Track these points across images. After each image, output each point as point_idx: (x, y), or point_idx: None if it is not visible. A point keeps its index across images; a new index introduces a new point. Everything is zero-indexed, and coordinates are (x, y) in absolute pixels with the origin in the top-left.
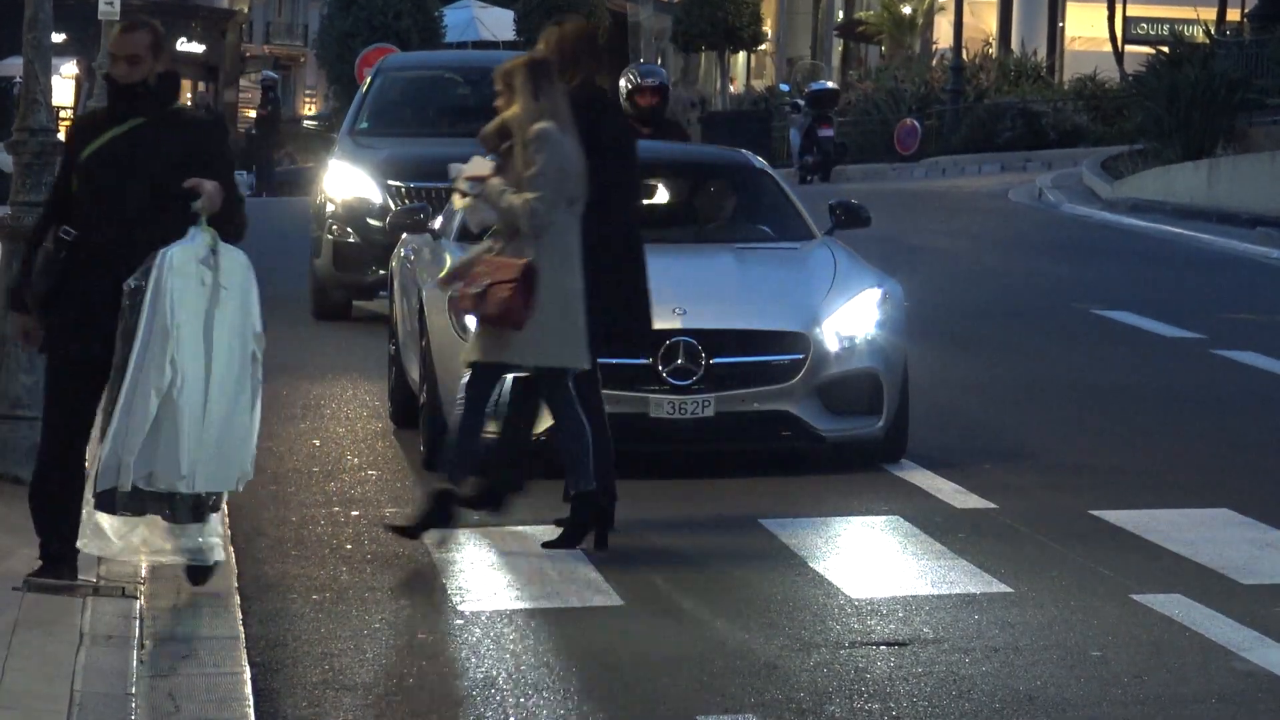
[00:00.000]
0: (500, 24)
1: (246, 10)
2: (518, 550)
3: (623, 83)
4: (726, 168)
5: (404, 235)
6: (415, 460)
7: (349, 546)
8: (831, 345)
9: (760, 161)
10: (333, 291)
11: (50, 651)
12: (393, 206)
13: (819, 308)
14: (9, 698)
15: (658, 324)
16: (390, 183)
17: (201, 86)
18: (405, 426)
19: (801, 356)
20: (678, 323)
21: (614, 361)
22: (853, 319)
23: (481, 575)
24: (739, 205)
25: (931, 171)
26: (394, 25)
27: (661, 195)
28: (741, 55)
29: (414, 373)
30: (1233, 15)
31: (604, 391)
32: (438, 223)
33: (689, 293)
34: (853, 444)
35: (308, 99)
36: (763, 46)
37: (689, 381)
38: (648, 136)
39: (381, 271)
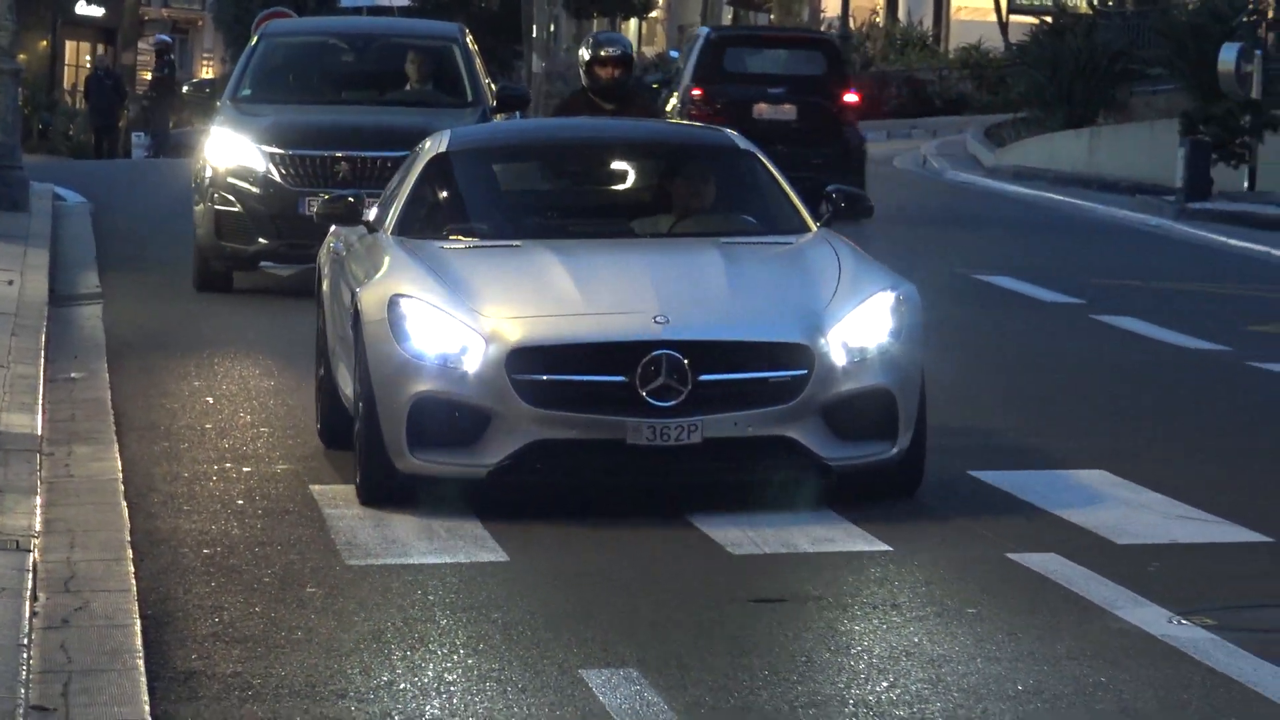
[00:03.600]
0: None
1: None
2: (407, 506)
3: (582, 53)
4: (707, 149)
5: (333, 227)
6: (306, 416)
7: (240, 502)
8: (838, 359)
9: (746, 141)
10: (214, 261)
11: None
12: (275, 175)
13: (823, 315)
14: None
15: (634, 335)
16: (273, 150)
17: (101, 49)
18: (337, 447)
19: (804, 372)
20: (659, 333)
21: (585, 379)
22: (863, 327)
23: (370, 530)
24: (723, 192)
25: None
26: None
27: (633, 181)
28: (633, 21)
29: (347, 388)
30: None
31: (574, 415)
32: (372, 213)
33: (671, 297)
34: (863, 474)
35: (205, 62)
36: (654, 13)
37: (672, 403)
38: (611, 113)
39: (263, 240)
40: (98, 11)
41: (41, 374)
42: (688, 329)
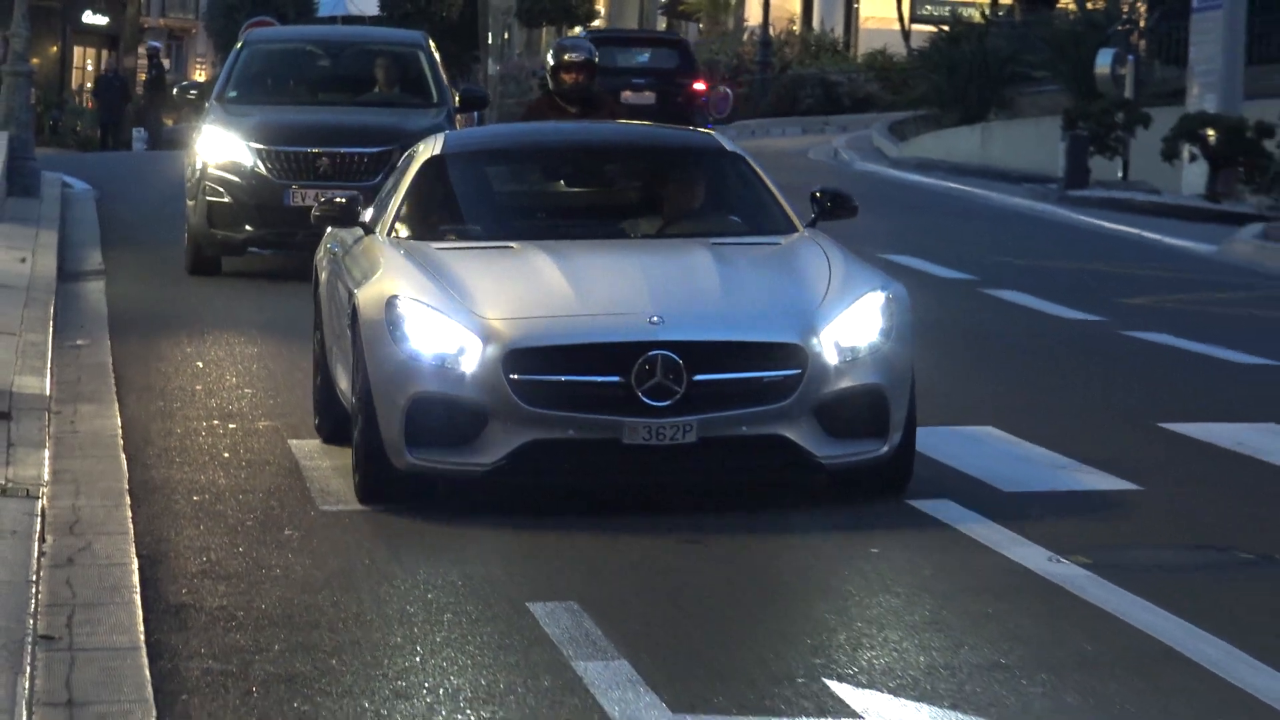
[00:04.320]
0: (365, 1)
1: None
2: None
3: (547, 58)
4: (695, 151)
5: (329, 229)
6: (286, 379)
7: (226, 454)
8: (831, 358)
9: (732, 144)
10: (206, 248)
11: None
12: (262, 169)
13: (816, 315)
14: None
15: (630, 336)
16: (260, 146)
17: (106, 55)
18: (335, 443)
19: (798, 372)
20: (654, 334)
21: (581, 380)
22: (854, 327)
23: (342, 480)
24: (710, 193)
25: (742, 133)
26: (272, 1)
27: (623, 183)
28: (578, 29)
29: (343, 383)
30: (1005, 1)
31: (570, 415)
32: (368, 214)
33: (665, 298)
34: (855, 471)
35: (199, 65)
36: (595, 22)
37: (668, 402)
38: (575, 116)
39: (250, 228)
40: (102, 20)
41: (50, 341)
42: (683, 329)
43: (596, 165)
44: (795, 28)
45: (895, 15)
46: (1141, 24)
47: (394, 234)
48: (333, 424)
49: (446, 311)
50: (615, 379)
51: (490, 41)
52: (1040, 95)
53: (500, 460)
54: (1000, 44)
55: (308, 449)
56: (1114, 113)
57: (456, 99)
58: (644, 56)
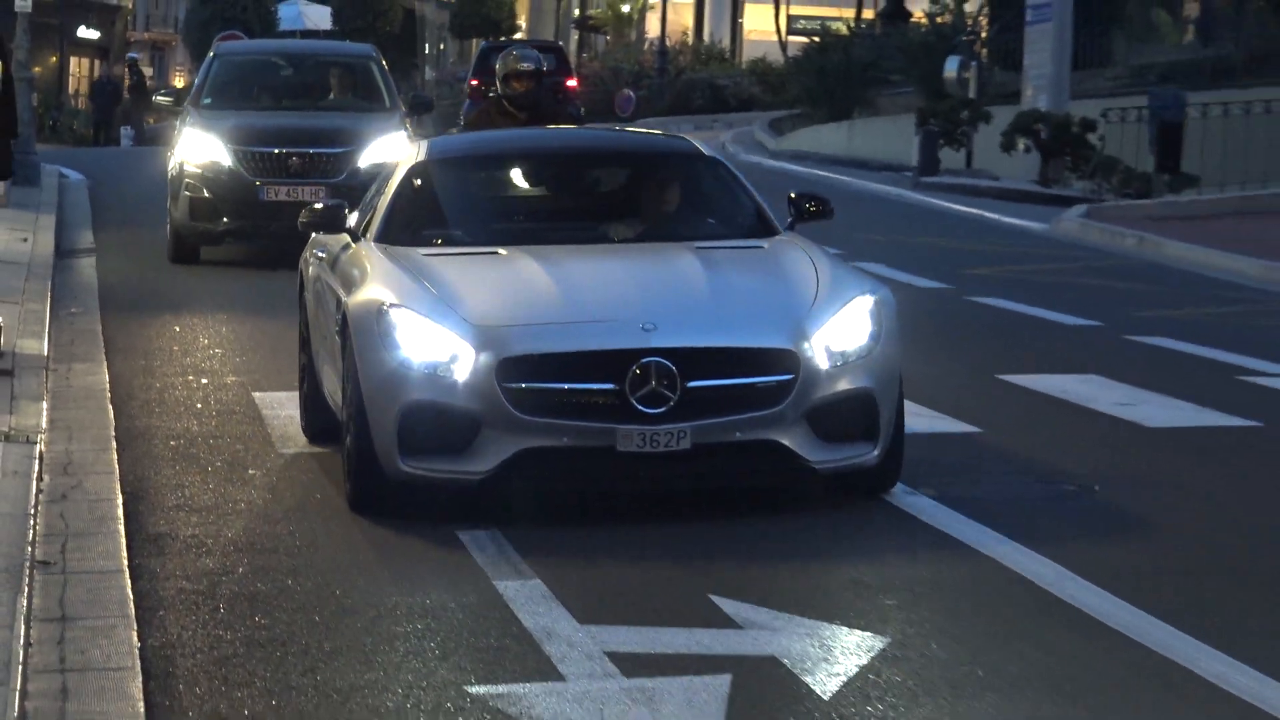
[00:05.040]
0: (321, 17)
1: (130, 5)
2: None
3: (498, 66)
4: (675, 156)
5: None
6: (251, 341)
7: (198, 405)
8: (822, 363)
9: (710, 149)
10: (187, 239)
11: None
12: (238, 168)
13: (806, 319)
14: None
15: (623, 343)
16: (237, 148)
17: (98, 63)
18: (321, 443)
19: (790, 377)
20: (647, 341)
21: (575, 387)
22: (844, 332)
23: (298, 427)
24: (691, 197)
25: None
26: (241, 16)
27: (605, 188)
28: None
29: (330, 387)
30: (867, 14)
31: (564, 422)
32: (352, 218)
33: (656, 304)
34: (846, 475)
35: (179, 72)
36: (518, 35)
37: (662, 409)
38: (524, 121)
39: (228, 221)
40: (94, 35)
41: (48, 309)
42: (676, 335)
43: (579, 170)
44: (688, 39)
45: (774, 28)
46: (983, 35)
47: (380, 240)
48: (319, 427)
49: (438, 319)
50: (609, 386)
51: (427, 51)
52: (897, 96)
53: (494, 469)
54: (863, 53)
55: (268, 400)
56: (960, 111)
57: (405, 103)
58: (533, 57)
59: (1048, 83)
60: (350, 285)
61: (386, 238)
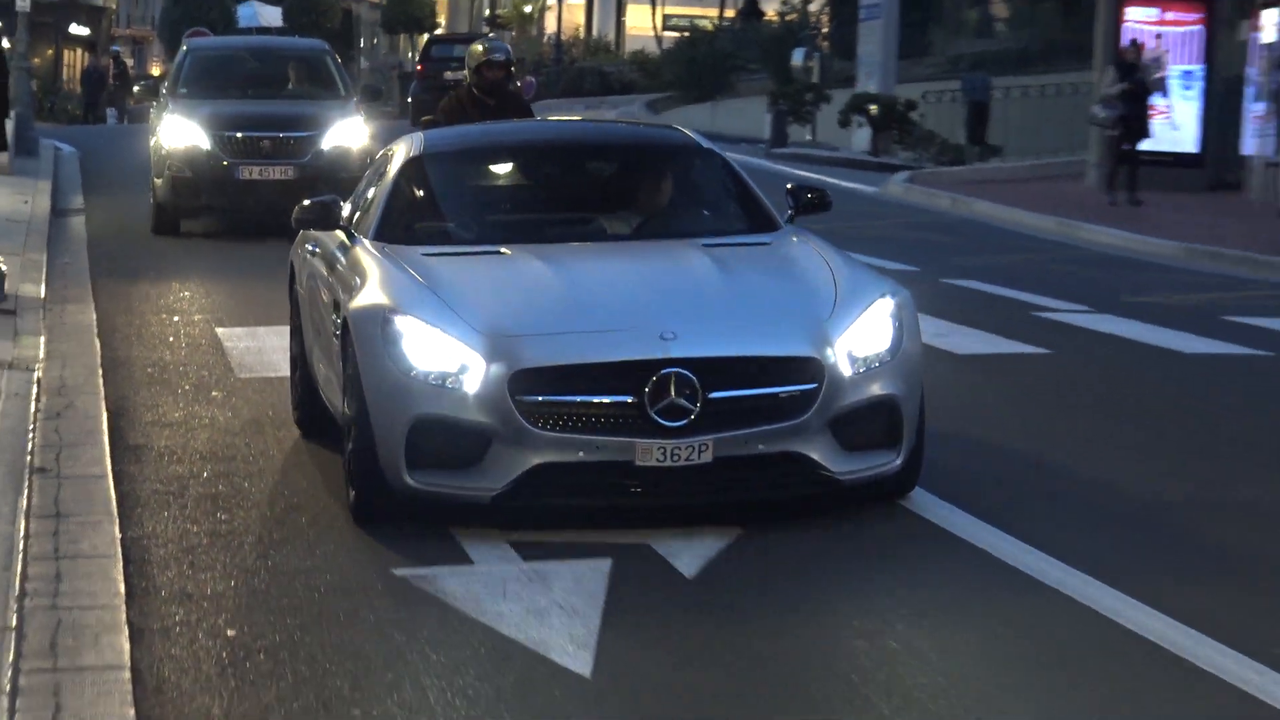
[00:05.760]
0: (273, 16)
1: (114, 6)
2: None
3: (471, 55)
4: (671, 148)
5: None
6: (215, 287)
7: (171, 338)
8: (845, 370)
9: (707, 141)
10: (170, 213)
11: None
12: (216, 150)
13: (828, 324)
14: None
15: (642, 354)
16: (215, 132)
17: (87, 55)
18: (313, 437)
19: (815, 386)
20: (668, 351)
21: (593, 400)
22: (867, 336)
23: (254, 356)
24: (691, 191)
25: (541, 110)
26: (206, 15)
27: (602, 181)
28: (424, 36)
29: (323, 378)
30: (729, 13)
31: (580, 437)
32: (345, 209)
33: (673, 311)
34: (870, 485)
35: (156, 62)
36: (438, 30)
37: (683, 422)
38: (493, 108)
39: (205, 198)
40: (85, 31)
41: (45, 259)
42: (697, 345)
43: (577, 164)
44: (580, 34)
45: (651, 25)
46: (824, 30)
47: (378, 238)
48: (311, 418)
49: (446, 327)
50: (627, 399)
51: (361, 45)
52: (753, 81)
53: (506, 486)
54: (724, 45)
55: (229, 334)
56: (805, 93)
57: (356, 92)
58: (460, 49)
59: (877, 69)
60: (349, 287)
61: (383, 235)
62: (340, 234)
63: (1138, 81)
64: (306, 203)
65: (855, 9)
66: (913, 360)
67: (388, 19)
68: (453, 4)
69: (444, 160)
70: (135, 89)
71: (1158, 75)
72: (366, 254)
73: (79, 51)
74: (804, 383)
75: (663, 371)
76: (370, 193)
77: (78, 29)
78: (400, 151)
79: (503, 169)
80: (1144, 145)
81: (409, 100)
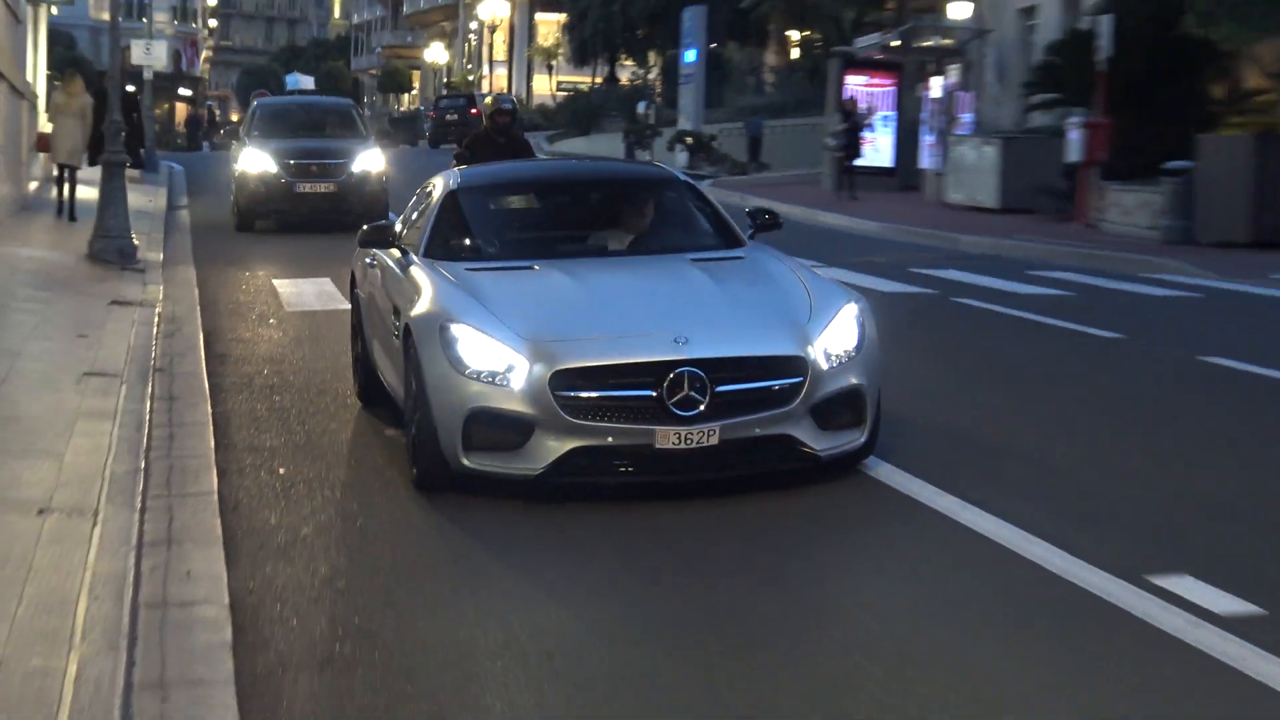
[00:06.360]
0: (308, 83)
1: (207, 76)
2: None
3: (484, 108)
4: (657, 181)
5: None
6: (275, 257)
7: (243, 287)
8: (823, 364)
9: (682, 175)
10: (247, 216)
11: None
12: (280, 173)
13: (809, 327)
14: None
15: (660, 355)
16: (281, 160)
17: (188, 108)
18: (371, 408)
19: (801, 380)
20: (681, 353)
21: (619, 395)
22: (839, 337)
23: (302, 297)
24: (675, 215)
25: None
26: (266, 82)
27: (604, 209)
28: (405, 95)
29: (383, 366)
30: (599, 79)
31: (609, 425)
32: (397, 225)
33: (682, 318)
34: (842, 458)
35: (235, 112)
36: (414, 91)
37: (695, 412)
38: (502, 145)
39: (272, 205)
40: (188, 91)
41: (163, 237)
42: (705, 347)
43: (583, 194)
44: (502, 90)
45: (549, 88)
46: (658, 89)
47: (428, 255)
48: (366, 388)
49: (494, 333)
50: (649, 393)
51: (365, 100)
52: (614, 121)
53: (548, 466)
54: (595, 100)
55: (284, 285)
56: (645, 130)
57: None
58: (448, 103)
59: (692, 115)
60: (408, 297)
61: (431, 253)
62: (395, 251)
63: (854, 122)
64: (367, 227)
65: (677, 78)
66: (873, 354)
67: (382, 85)
68: (424, 76)
69: (477, 193)
70: (221, 130)
71: (867, 120)
72: (419, 268)
73: (184, 105)
74: (793, 376)
75: (678, 370)
76: (416, 217)
77: (184, 90)
78: (440, 185)
79: (524, 199)
80: (859, 162)
81: (426, 133)
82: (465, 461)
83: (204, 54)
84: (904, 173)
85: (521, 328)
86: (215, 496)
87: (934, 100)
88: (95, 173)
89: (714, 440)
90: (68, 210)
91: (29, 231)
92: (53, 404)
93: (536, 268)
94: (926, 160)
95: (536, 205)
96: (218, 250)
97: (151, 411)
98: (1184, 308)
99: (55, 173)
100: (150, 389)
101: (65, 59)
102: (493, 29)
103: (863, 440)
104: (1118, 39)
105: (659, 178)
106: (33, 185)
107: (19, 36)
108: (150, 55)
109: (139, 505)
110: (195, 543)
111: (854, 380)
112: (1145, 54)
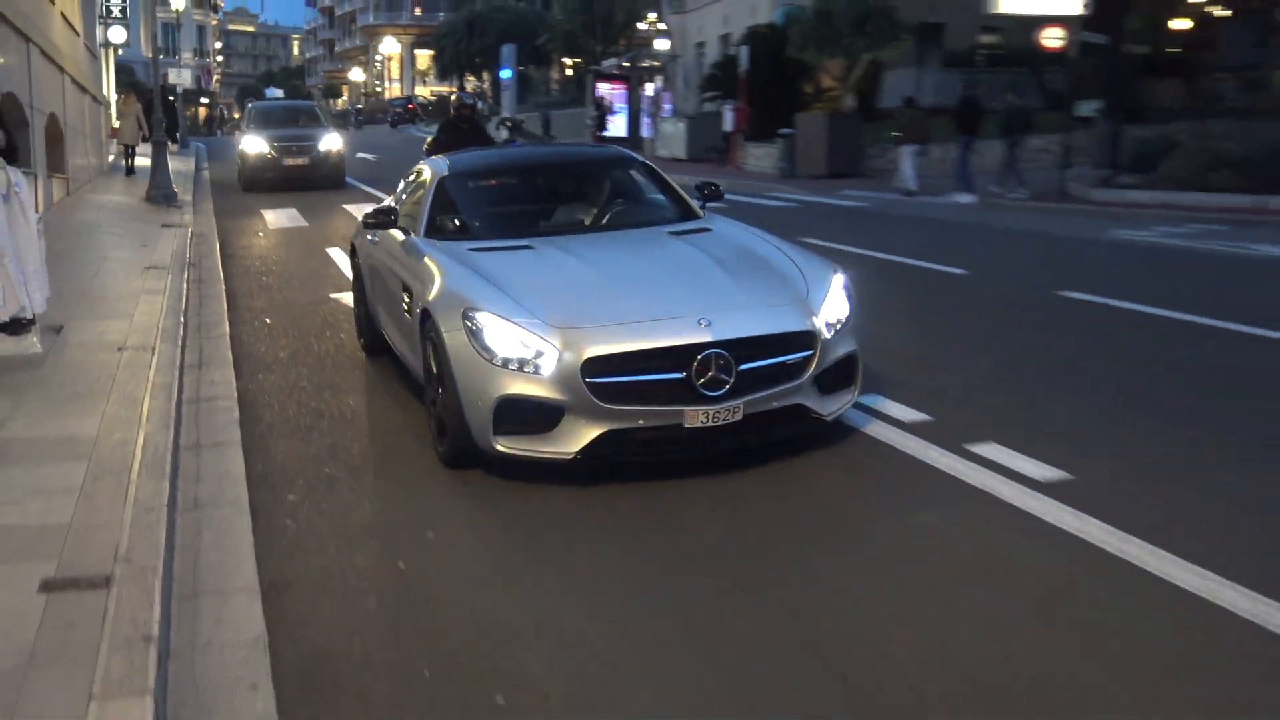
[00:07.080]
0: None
1: (218, 89)
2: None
3: (451, 103)
4: (620, 161)
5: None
6: (270, 202)
7: (259, 233)
8: (825, 335)
9: (637, 155)
10: (249, 182)
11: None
12: (273, 152)
13: (811, 301)
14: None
15: (687, 339)
16: (273, 143)
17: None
18: (374, 357)
19: (811, 353)
20: (707, 335)
21: (649, 379)
22: (835, 307)
23: (322, 239)
24: (637, 191)
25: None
26: (256, 92)
27: (579, 188)
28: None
29: (386, 326)
30: (454, 88)
31: (640, 408)
32: (399, 214)
33: (699, 301)
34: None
35: (236, 112)
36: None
37: (721, 391)
38: (465, 130)
39: (267, 175)
40: (206, 100)
41: (193, 187)
42: (729, 329)
43: (558, 176)
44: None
45: (426, 94)
46: (489, 93)
47: (429, 236)
48: (371, 345)
49: (522, 322)
50: (678, 376)
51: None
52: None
53: (582, 449)
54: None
55: (268, 213)
56: (483, 117)
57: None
58: (403, 101)
59: (509, 108)
60: (419, 277)
61: (431, 234)
62: (398, 232)
63: (602, 110)
64: (371, 209)
65: (500, 86)
66: (858, 320)
67: (324, 94)
68: (351, 89)
69: (465, 178)
70: (228, 124)
71: (610, 108)
72: (425, 249)
73: (204, 109)
74: (804, 350)
75: (705, 353)
76: (410, 201)
77: (203, 100)
78: (429, 172)
79: (508, 181)
80: (605, 133)
81: (353, 124)
82: (497, 446)
83: (215, 77)
84: (632, 140)
85: (546, 314)
86: (228, 337)
87: (648, 97)
88: (147, 149)
89: (738, 416)
90: (131, 172)
91: (109, 186)
92: (127, 285)
93: (534, 247)
94: (646, 131)
95: (521, 187)
96: (228, 197)
97: (187, 288)
98: (790, 212)
99: (122, 150)
100: (186, 275)
101: (125, 81)
102: (389, 59)
103: (853, 397)
104: (751, 60)
105: (620, 157)
106: (110, 158)
107: (97, 68)
108: (180, 77)
109: (180, 343)
110: (215, 364)
111: (848, 347)
112: (767, 68)
